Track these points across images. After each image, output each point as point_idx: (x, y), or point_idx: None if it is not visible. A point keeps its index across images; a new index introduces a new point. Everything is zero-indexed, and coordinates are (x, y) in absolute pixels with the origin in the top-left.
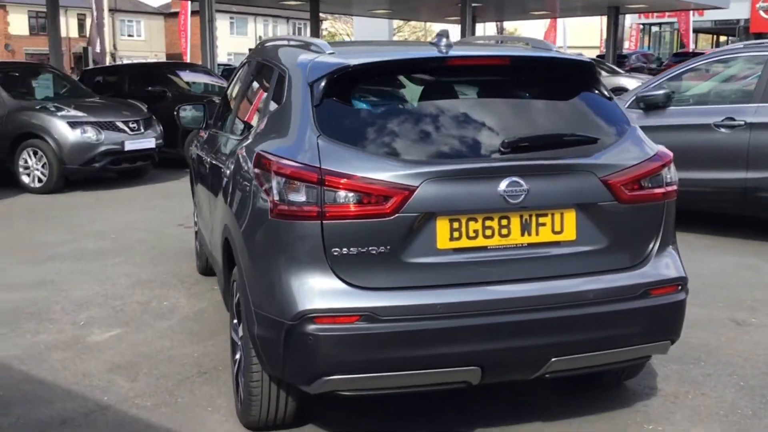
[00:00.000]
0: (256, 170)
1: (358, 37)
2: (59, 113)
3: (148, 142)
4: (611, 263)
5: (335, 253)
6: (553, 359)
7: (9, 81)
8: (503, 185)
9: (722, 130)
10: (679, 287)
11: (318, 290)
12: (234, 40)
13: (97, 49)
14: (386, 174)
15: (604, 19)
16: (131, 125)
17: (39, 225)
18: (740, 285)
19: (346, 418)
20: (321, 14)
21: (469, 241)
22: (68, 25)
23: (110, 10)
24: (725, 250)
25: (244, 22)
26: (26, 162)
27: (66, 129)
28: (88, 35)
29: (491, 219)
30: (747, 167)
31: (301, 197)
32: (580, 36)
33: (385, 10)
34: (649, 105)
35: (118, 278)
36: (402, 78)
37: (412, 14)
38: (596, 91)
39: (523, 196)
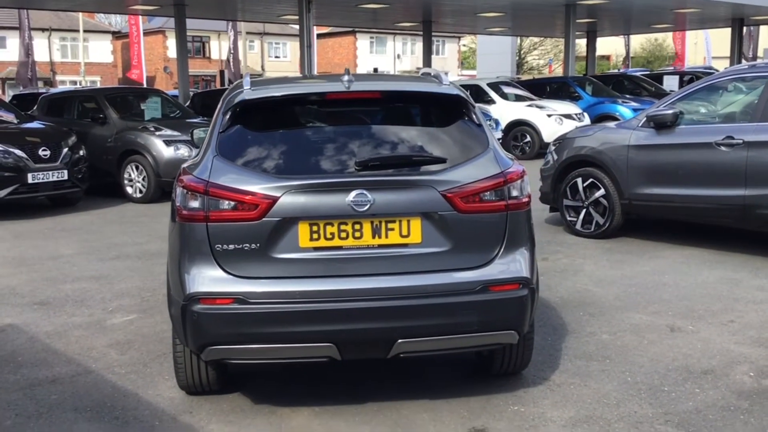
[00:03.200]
0: (175, 183)
1: (481, 53)
2: (157, 132)
3: None
4: (454, 263)
5: (218, 249)
6: (399, 341)
7: (121, 104)
8: (351, 196)
9: (722, 148)
10: (521, 285)
11: (203, 277)
12: (373, 58)
13: (232, 70)
14: (255, 186)
15: (751, 29)
16: None
17: (124, 229)
18: (705, 296)
19: (267, 391)
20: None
21: (326, 242)
22: (221, 48)
23: (260, 33)
24: (722, 264)
25: (383, 41)
26: (130, 175)
27: (162, 146)
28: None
29: (345, 224)
30: (746, 185)
31: (194, 204)
32: (725, 46)
33: (500, 28)
34: (658, 124)
35: (159, 275)
36: (288, 109)
37: (528, 31)
38: (466, 118)
39: (368, 206)
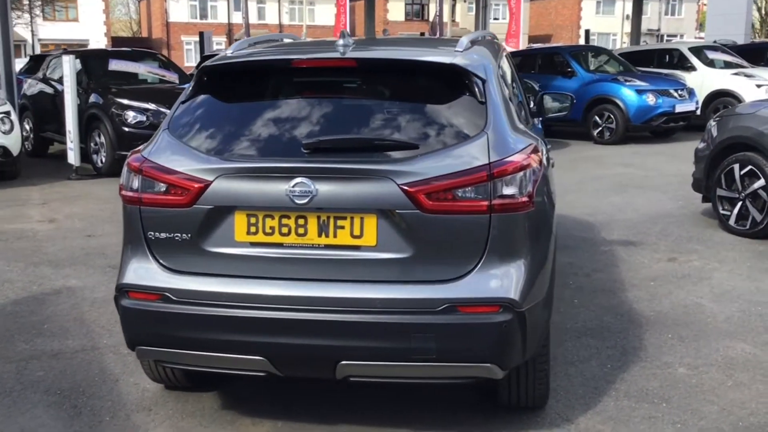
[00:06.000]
0: None
1: (711, 13)
2: None
3: None
4: (416, 274)
5: (150, 236)
6: (342, 362)
7: None
8: (290, 185)
9: None
10: (501, 308)
11: (134, 267)
12: (599, 20)
13: (436, 33)
14: (186, 167)
15: None
16: None
17: None
18: None
19: (243, 395)
20: None
21: (265, 237)
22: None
23: None
24: None
25: (612, 1)
26: None
27: None
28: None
29: (288, 217)
30: None
31: (134, 184)
32: None
33: None
34: None
35: None
36: (250, 78)
37: None
38: (467, 93)
39: (309, 198)
